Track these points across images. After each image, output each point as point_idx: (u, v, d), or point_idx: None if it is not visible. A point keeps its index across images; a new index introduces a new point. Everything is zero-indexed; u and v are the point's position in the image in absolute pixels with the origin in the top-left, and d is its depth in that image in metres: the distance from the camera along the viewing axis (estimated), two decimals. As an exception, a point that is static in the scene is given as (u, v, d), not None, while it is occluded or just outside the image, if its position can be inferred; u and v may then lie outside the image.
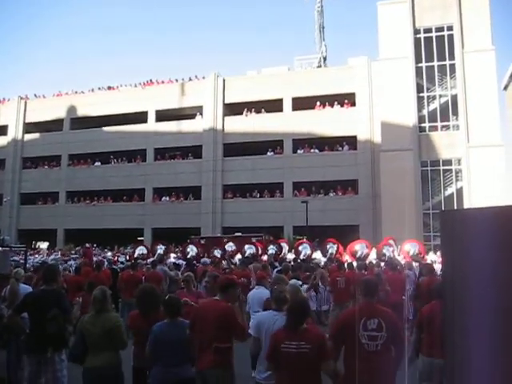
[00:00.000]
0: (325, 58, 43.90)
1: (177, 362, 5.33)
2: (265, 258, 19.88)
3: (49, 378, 6.04)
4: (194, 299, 8.11)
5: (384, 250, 18.38)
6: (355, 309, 5.02)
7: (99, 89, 45.20)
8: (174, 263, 17.31)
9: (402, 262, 17.91)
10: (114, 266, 17.95)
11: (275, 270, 15.71)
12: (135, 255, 20.57)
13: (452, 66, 33.62)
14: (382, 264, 15.32)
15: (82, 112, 44.03)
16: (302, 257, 19.66)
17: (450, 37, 33.65)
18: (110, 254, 25.10)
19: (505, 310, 1.83)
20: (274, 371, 4.64)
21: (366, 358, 4.62)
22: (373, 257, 18.77)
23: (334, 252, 19.36)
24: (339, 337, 4.86)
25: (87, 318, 5.70)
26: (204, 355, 5.18)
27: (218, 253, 20.56)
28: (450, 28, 33.68)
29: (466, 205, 30.99)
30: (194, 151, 39.91)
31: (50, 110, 44.59)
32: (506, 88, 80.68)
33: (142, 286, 7.06)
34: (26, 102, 46.58)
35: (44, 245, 42.78)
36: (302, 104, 37.05)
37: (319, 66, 42.62)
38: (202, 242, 26.42)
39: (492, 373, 1.92)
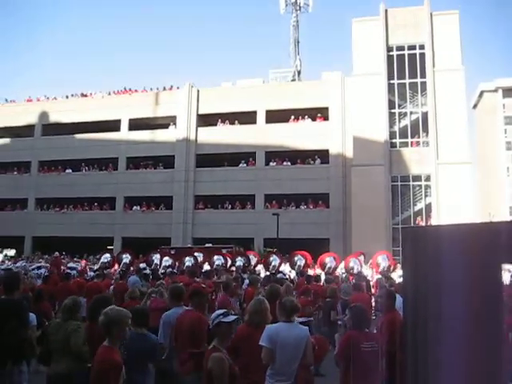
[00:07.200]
0: (299, 72, 44.25)
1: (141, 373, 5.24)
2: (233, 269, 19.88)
3: None
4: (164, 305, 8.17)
5: (351, 264, 18.55)
6: None
7: (72, 95, 44.77)
8: (145, 273, 17.11)
9: (370, 275, 18.22)
10: (87, 277, 17.71)
11: (244, 281, 15.72)
12: (99, 264, 20.38)
13: (423, 84, 34.21)
14: (351, 279, 15.45)
15: (54, 118, 43.46)
16: (270, 269, 19.68)
17: (422, 55, 34.33)
18: (75, 264, 24.53)
19: (466, 322, 1.86)
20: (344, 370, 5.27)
21: None
22: (341, 269, 18.94)
23: (302, 265, 19.42)
24: None
25: (52, 325, 5.69)
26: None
27: (189, 261, 20.35)
28: (421, 47, 34.37)
29: (434, 220, 31.46)
30: (167, 161, 39.72)
31: (22, 115, 43.80)
32: (474, 107, 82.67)
33: (96, 297, 6.99)
34: (-5, 107, 45.82)
35: (11, 252, 41.97)
36: (276, 117, 37.24)
37: (293, 80, 42.92)
38: (172, 252, 26.25)
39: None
